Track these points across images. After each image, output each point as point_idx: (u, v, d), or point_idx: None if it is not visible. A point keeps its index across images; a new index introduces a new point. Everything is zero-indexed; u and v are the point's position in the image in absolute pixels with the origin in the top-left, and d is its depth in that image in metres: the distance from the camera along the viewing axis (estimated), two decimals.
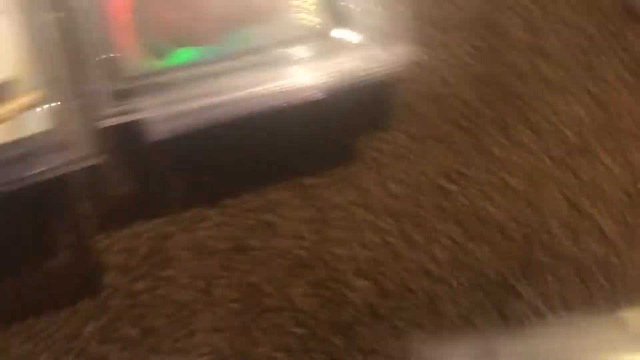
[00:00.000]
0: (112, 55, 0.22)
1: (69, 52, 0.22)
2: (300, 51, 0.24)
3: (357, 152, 0.28)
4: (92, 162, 0.21)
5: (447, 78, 0.29)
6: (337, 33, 0.24)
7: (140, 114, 0.22)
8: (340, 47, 0.24)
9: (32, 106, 0.21)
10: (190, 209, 0.26)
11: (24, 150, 0.21)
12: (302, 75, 0.24)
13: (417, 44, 0.27)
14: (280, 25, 0.24)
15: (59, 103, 0.22)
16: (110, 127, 0.22)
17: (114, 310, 0.25)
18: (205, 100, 0.23)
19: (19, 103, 0.21)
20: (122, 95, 0.22)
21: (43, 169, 0.21)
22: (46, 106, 0.21)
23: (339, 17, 0.24)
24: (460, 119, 0.29)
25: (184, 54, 0.23)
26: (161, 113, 0.23)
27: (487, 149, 0.29)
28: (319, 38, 0.24)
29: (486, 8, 0.30)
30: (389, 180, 0.28)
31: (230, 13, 0.23)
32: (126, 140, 0.24)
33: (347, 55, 0.24)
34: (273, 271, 0.26)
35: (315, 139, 0.28)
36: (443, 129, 0.29)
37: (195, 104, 0.23)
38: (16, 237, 0.25)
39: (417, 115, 0.29)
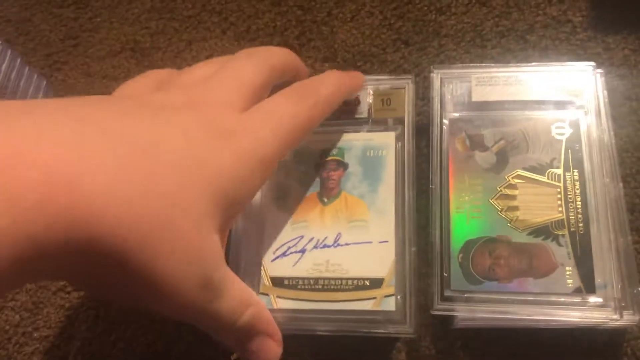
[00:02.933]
0: (445, 274, 0.39)
1: (418, 269, 0.40)
2: (561, 299, 0.37)
3: None
4: (413, 335, 0.37)
5: None
6: (587, 295, 0.37)
7: (455, 311, 0.38)
8: (588, 303, 0.37)
9: (389, 294, 0.38)
10: None
11: (375, 317, 0.37)
12: (560, 313, 0.37)
13: None
14: (552, 282, 0.37)
15: (399, 297, 0.39)
16: (436, 315, 0.38)
17: None
18: (495, 312, 0.37)
19: (382, 292, 0.38)
20: (446, 299, 0.38)
21: (379, 331, 0.37)
22: (394, 297, 0.38)
23: (588, 285, 0.37)
24: None
25: (488, 284, 0.38)
26: (466, 314, 0.38)
27: None
28: (575, 295, 0.37)
29: None
30: None
31: (520, 267, 0.38)
32: (441, 325, 0.40)
33: (593, 309, 0.37)
34: None
35: (564, 358, 0.38)
36: None
37: (488, 313, 0.37)
38: None
39: None
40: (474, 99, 0.43)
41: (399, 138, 0.42)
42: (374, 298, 0.38)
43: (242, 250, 0.40)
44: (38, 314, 0.44)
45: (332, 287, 0.39)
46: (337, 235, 0.40)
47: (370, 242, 0.40)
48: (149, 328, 0.43)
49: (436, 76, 0.43)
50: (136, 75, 0.49)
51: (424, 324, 0.40)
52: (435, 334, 0.40)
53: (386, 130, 0.43)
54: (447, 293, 0.38)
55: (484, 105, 0.42)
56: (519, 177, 0.40)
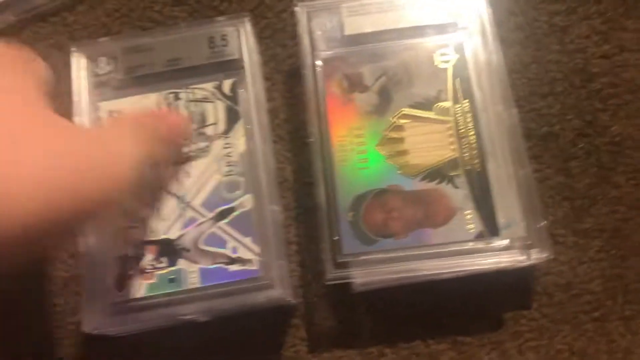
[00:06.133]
0: (336, 238, 0.34)
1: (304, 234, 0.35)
2: (464, 247, 0.33)
3: (502, 322, 0.35)
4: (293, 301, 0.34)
5: (578, 272, 0.36)
6: (491, 238, 0.33)
7: (350, 277, 0.33)
8: (493, 247, 0.33)
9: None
10: (374, 346, 0.35)
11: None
12: (465, 262, 0.33)
13: (555, 244, 0.35)
14: (452, 229, 0.33)
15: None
16: (331, 284, 0.34)
17: None
18: (395, 272, 0.33)
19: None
20: (340, 265, 0.34)
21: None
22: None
23: (491, 227, 0.33)
24: (587, 307, 0.35)
25: (383, 242, 0.34)
26: (364, 277, 0.34)
27: (611, 337, 0.35)
28: (478, 240, 0.33)
29: (621, 224, 0.36)
30: (526, 349, 0.34)
31: (416, 218, 0.34)
32: (340, 292, 0.35)
33: (499, 252, 0.33)
34: None
35: (473, 309, 0.35)
36: (573, 314, 0.35)
37: (387, 274, 0.33)
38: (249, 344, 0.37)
39: (552, 300, 0.35)
40: (346, 32, 0.37)
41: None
42: None
43: None
44: None
45: None
46: None
47: None
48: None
49: (301, 11, 0.37)
50: None
51: (319, 294, 0.36)
52: (333, 303, 0.36)
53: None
54: (339, 259, 0.33)
55: (359, 39, 0.37)
56: (404, 116, 0.35)
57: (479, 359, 0.35)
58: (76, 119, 0.35)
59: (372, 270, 0.33)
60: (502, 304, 0.36)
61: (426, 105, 0.35)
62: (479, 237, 0.33)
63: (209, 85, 0.36)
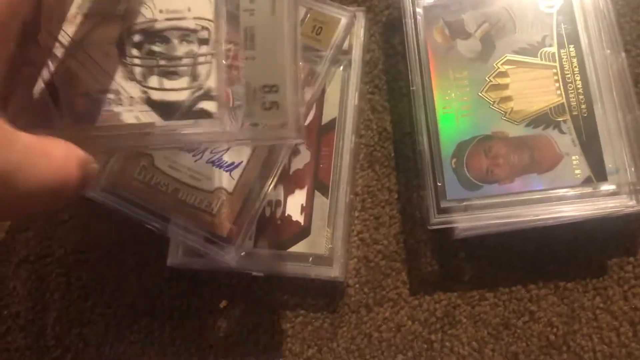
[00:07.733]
0: (439, 184, 0.35)
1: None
2: (571, 192, 0.33)
3: (607, 269, 0.35)
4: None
5: None
6: (599, 183, 0.33)
7: (454, 222, 0.34)
8: (600, 192, 0.33)
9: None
10: (475, 290, 0.35)
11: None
12: (572, 208, 0.33)
13: None
14: (559, 174, 0.33)
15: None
16: (433, 230, 0.35)
17: (416, 352, 0.36)
18: (499, 217, 0.34)
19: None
20: (443, 210, 0.34)
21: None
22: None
23: (598, 172, 0.33)
24: None
25: (487, 188, 0.34)
26: (467, 223, 0.34)
27: None
28: (585, 185, 0.33)
29: None
30: (631, 295, 0.34)
31: (522, 163, 0.34)
32: (441, 237, 0.36)
33: (606, 197, 0.33)
34: (530, 346, 0.34)
35: (576, 254, 0.35)
36: None
37: (491, 220, 0.34)
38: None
39: None
40: None
41: None
42: None
43: None
44: (4, 290, 0.40)
45: None
46: None
47: None
48: (127, 288, 0.39)
49: None
50: None
51: (422, 240, 0.37)
52: (435, 248, 0.37)
53: None
54: (443, 204, 0.34)
55: None
56: (508, 62, 0.35)
57: (582, 304, 0.35)
58: None
59: (475, 215, 0.33)
60: (607, 251, 0.35)
61: (531, 51, 0.35)
62: (586, 182, 0.33)
63: None
